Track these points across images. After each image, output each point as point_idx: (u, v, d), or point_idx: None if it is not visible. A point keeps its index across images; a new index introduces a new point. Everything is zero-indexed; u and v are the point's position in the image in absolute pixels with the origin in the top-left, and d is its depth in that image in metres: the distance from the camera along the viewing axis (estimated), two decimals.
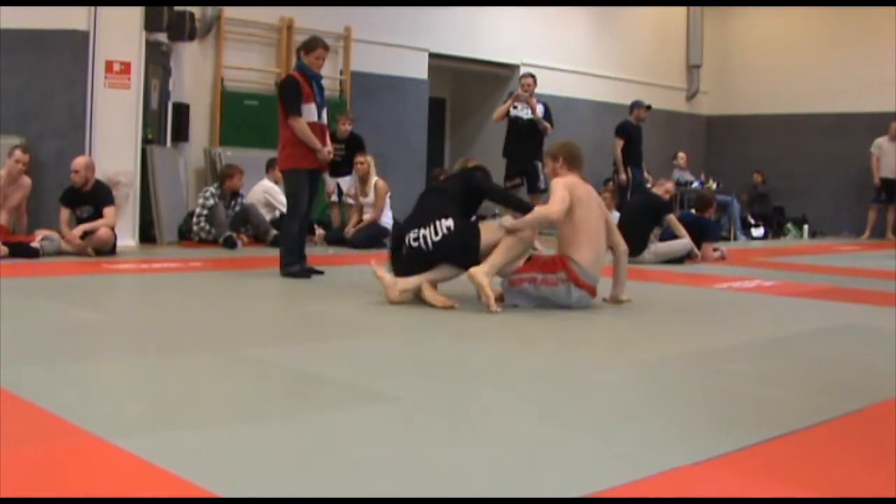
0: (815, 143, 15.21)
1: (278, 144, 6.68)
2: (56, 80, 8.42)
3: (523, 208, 5.60)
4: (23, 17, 8.25)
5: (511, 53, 13.23)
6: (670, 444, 2.57)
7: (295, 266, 6.42)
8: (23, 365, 3.31)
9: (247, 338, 4.29)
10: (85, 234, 7.57)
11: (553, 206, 5.20)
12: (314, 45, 6.54)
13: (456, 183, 5.66)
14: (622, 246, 5.60)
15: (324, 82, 6.98)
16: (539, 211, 5.37)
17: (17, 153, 7.72)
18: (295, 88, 6.38)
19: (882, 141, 13.84)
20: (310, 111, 6.40)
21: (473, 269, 5.06)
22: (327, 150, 6.52)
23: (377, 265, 5.32)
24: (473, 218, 5.82)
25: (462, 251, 5.19)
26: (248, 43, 10.60)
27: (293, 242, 6.50)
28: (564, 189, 5.24)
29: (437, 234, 5.18)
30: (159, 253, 8.20)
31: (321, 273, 6.58)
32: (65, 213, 7.74)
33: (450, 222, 5.19)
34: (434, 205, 5.41)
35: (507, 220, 5.32)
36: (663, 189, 9.41)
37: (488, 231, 5.26)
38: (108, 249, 7.63)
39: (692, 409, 3.03)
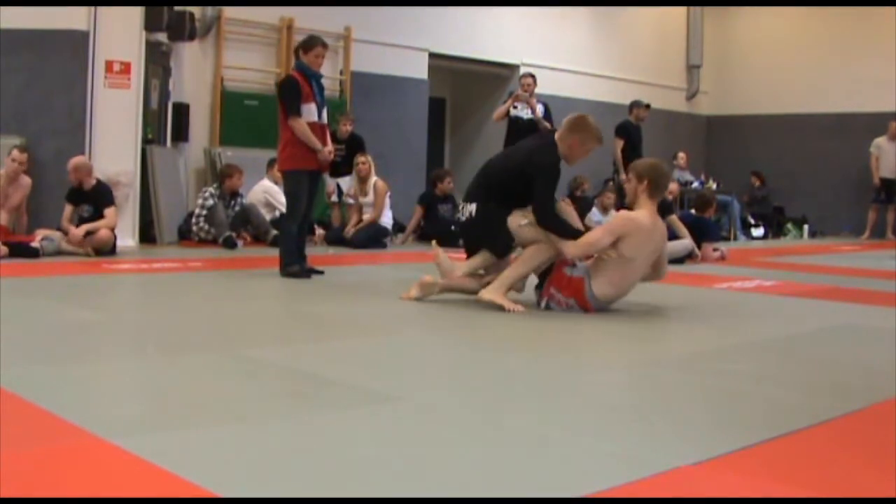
0: (815, 143, 15.21)
1: (278, 144, 6.67)
2: (56, 80, 8.42)
3: (560, 234, 5.08)
4: (23, 17, 8.26)
5: (511, 53, 13.23)
6: (670, 444, 2.57)
7: (294, 266, 6.42)
8: (22, 365, 3.31)
9: (247, 338, 4.29)
10: (87, 234, 7.57)
11: (575, 249, 4.94)
12: (313, 43, 6.52)
13: (520, 163, 5.20)
14: (662, 274, 5.36)
15: (324, 82, 6.97)
16: (564, 242, 4.99)
17: (15, 153, 7.73)
18: (294, 88, 6.37)
19: (881, 141, 13.84)
20: (310, 111, 6.39)
21: (481, 293, 5.11)
22: (328, 150, 6.51)
23: (438, 249, 5.44)
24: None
25: (483, 238, 5.29)
26: (248, 43, 10.60)
27: (292, 243, 6.49)
28: (611, 236, 4.92)
29: (463, 216, 5.32)
30: (159, 253, 8.20)
31: (321, 273, 6.57)
32: (68, 210, 7.76)
33: (472, 208, 5.25)
34: (475, 183, 5.41)
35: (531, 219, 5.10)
36: (667, 190, 9.40)
37: (519, 221, 5.15)
38: (107, 250, 7.63)
39: (692, 409, 3.03)
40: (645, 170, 5.09)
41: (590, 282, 5.01)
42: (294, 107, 6.33)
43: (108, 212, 7.69)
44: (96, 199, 7.73)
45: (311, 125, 6.38)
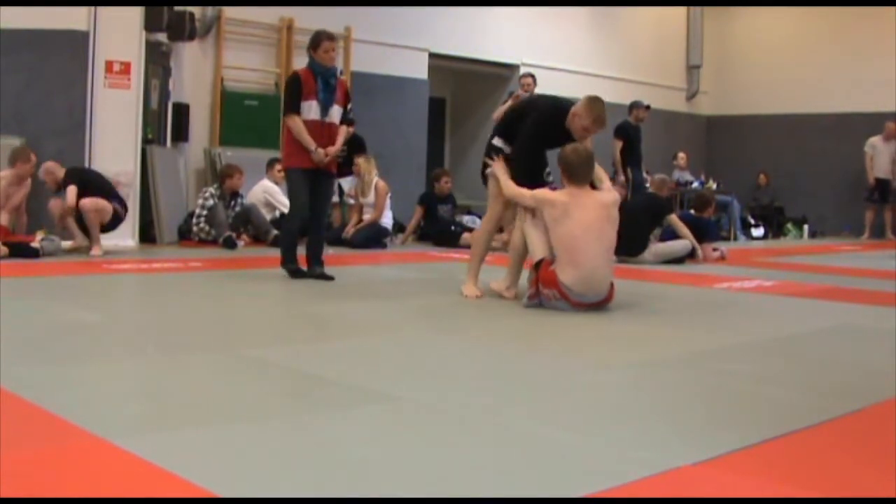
0: (815, 143, 15.20)
1: (280, 143, 6.65)
2: (56, 80, 8.42)
3: (515, 169, 5.59)
4: (23, 17, 8.25)
5: (511, 53, 13.22)
6: (670, 444, 2.57)
7: (293, 264, 6.43)
8: (23, 365, 3.31)
9: (247, 338, 4.29)
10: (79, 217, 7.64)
11: (510, 189, 5.45)
12: (319, 39, 6.45)
13: (527, 103, 6.03)
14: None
15: None
16: (508, 180, 5.50)
17: (33, 157, 7.76)
18: (294, 86, 6.33)
19: (876, 140, 13.84)
20: (310, 108, 6.30)
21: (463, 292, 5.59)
22: (324, 150, 6.27)
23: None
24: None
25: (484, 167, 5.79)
26: (248, 43, 10.59)
27: (292, 241, 6.49)
28: (532, 200, 5.32)
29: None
30: (159, 253, 8.20)
31: (331, 279, 6.37)
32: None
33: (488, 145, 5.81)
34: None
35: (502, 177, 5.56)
36: (659, 181, 9.46)
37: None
38: (107, 221, 7.70)
39: (692, 409, 3.03)
40: (559, 158, 5.44)
41: (558, 275, 5.10)
42: (291, 104, 6.30)
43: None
44: None
45: (312, 123, 6.28)
